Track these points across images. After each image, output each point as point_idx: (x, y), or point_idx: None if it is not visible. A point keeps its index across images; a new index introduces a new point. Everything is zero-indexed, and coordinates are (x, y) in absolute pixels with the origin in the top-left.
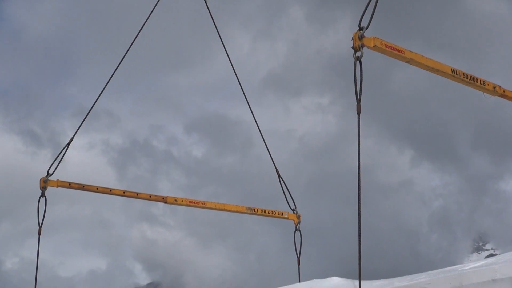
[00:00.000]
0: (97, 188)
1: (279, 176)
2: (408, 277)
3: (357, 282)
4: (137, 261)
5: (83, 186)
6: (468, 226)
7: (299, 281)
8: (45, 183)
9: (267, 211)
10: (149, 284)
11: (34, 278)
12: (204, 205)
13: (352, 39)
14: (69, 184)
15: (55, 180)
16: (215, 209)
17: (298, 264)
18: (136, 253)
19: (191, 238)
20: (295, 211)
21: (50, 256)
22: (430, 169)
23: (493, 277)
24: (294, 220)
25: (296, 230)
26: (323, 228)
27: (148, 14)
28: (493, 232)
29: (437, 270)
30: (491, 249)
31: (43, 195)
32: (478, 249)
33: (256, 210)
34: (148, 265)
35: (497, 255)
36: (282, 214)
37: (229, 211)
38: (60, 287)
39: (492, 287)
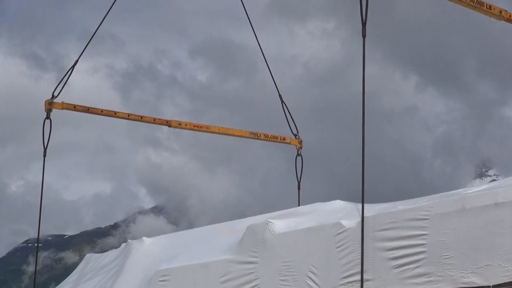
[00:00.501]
0: (101, 111)
1: (282, 101)
2: (411, 201)
3: (360, 205)
4: (141, 185)
5: (88, 109)
6: (472, 152)
7: (299, 205)
8: (50, 105)
9: (269, 136)
10: (154, 207)
11: (39, 201)
12: (207, 129)
13: None
14: (74, 107)
15: (60, 102)
16: (219, 133)
17: (299, 189)
18: (141, 177)
19: (195, 163)
20: (297, 136)
21: (54, 180)
22: (434, 95)
23: (496, 200)
24: (296, 145)
25: (298, 155)
26: (327, 153)
27: None
28: (496, 158)
29: (440, 194)
30: (494, 175)
31: (48, 117)
32: (481, 175)
33: (259, 135)
34: (152, 189)
35: (499, 180)
36: (284, 139)
37: (232, 135)
38: (64, 210)
39: (494, 210)
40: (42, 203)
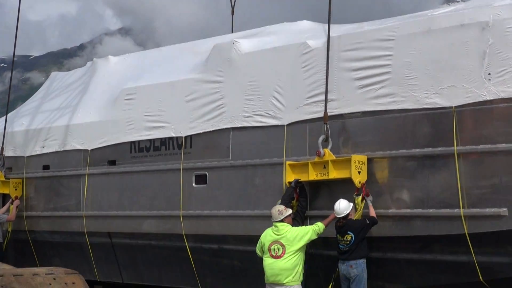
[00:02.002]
0: None
1: None
2: (378, 22)
3: (326, 26)
4: (107, 6)
5: None
6: None
7: (232, 32)
8: None
9: None
10: (120, 29)
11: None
12: None
13: None
14: None
15: None
16: None
17: (232, 14)
18: None
19: None
20: None
21: None
22: None
23: (462, 22)
24: None
25: None
26: None
27: None
28: None
29: (406, 15)
30: (462, 1)
31: None
32: (449, 1)
33: None
34: (119, 10)
35: (467, 2)
36: None
37: None
38: (30, 32)
39: (460, 31)
40: (6, 25)
